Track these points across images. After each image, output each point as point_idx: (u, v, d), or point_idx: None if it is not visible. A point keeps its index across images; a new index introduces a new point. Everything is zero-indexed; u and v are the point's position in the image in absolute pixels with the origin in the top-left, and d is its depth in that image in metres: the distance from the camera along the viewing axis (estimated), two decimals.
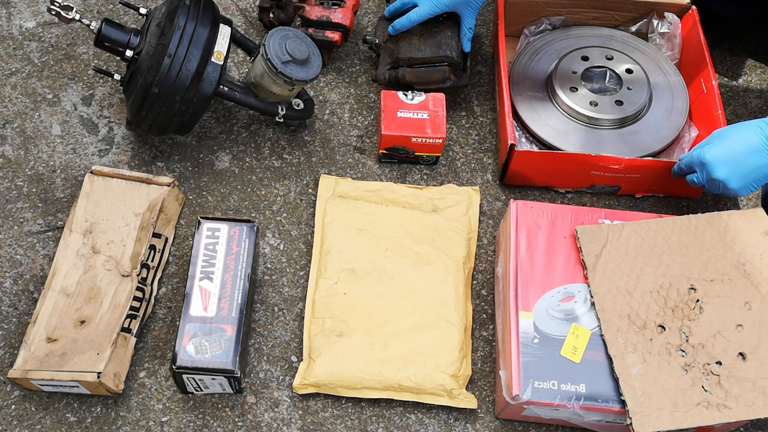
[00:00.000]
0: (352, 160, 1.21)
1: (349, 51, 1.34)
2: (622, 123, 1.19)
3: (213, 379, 0.95)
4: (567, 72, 1.21)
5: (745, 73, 1.37)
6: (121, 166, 1.18)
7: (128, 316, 1.00)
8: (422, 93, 1.19)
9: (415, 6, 1.19)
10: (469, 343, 1.04)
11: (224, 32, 1.09)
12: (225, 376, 0.94)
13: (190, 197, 1.16)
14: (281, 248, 1.12)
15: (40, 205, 1.14)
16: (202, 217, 1.04)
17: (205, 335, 0.95)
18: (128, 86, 1.10)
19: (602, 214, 1.04)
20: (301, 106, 1.20)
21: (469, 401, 0.99)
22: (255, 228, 1.03)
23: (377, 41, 1.25)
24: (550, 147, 1.17)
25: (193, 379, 0.95)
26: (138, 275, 1.03)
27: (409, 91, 1.19)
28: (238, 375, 0.94)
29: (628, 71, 1.22)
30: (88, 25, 1.10)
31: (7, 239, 1.11)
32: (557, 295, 0.98)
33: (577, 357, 0.93)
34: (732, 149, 1.00)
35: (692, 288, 0.96)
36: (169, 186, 1.11)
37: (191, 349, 0.94)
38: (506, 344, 0.96)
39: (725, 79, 1.35)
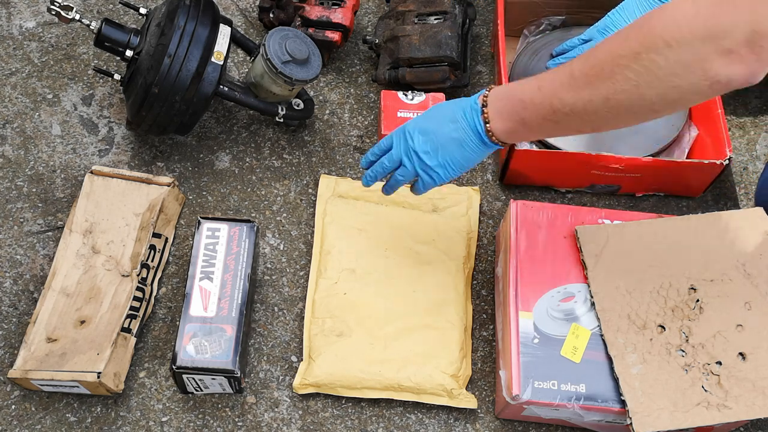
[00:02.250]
0: (352, 160, 1.21)
1: (349, 51, 1.34)
2: None
3: (213, 379, 0.95)
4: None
5: None
6: (121, 166, 1.18)
7: (128, 316, 1.00)
8: (422, 93, 1.19)
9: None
10: (469, 343, 1.04)
11: (224, 32, 1.09)
12: (225, 376, 0.94)
13: (190, 197, 1.16)
14: (281, 248, 1.12)
15: (40, 205, 1.14)
16: (202, 217, 1.04)
17: (205, 335, 0.95)
18: (128, 86, 1.10)
19: (602, 214, 1.04)
20: (301, 106, 1.20)
21: (469, 401, 0.99)
22: (255, 228, 1.03)
23: (377, 41, 1.25)
24: (550, 147, 1.17)
25: (193, 379, 0.95)
26: (138, 275, 1.03)
27: (409, 91, 1.19)
28: (238, 375, 0.94)
29: None
30: (88, 25, 1.10)
31: (7, 239, 1.11)
32: (557, 295, 0.98)
33: (577, 357, 0.93)
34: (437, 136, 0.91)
35: (692, 288, 0.96)
36: (169, 186, 1.11)
37: (191, 349, 0.94)
38: (506, 344, 0.96)
39: None
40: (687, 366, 0.91)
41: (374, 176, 0.96)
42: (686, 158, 1.19)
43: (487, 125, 0.85)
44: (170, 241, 1.11)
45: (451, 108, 0.89)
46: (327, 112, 1.27)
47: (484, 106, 0.85)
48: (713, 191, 1.22)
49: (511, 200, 1.05)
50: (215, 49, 1.07)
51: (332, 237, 1.09)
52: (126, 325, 0.99)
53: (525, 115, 0.82)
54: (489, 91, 0.86)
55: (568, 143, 1.16)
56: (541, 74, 0.81)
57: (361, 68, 1.32)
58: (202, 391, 0.99)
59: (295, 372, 1.02)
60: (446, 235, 1.11)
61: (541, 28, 1.32)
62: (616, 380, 0.91)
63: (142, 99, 1.05)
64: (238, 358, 0.94)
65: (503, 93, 0.84)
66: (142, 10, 1.13)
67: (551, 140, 1.17)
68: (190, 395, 1.00)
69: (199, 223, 1.03)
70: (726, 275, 0.97)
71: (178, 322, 1.05)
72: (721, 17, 0.63)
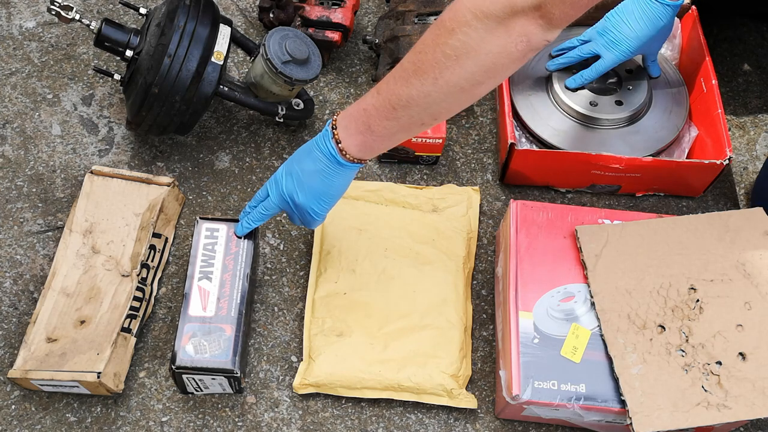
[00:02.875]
0: None
1: (349, 51, 1.34)
2: (622, 123, 1.19)
3: (213, 379, 0.95)
4: (567, 72, 1.21)
5: (745, 73, 1.37)
6: (121, 166, 1.18)
7: (128, 316, 1.00)
8: None
9: (597, 57, 1.15)
10: (469, 343, 1.04)
11: (224, 32, 1.09)
12: (225, 376, 0.94)
13: (190, 197, 1.16)
14: (281, 248, 1.12)
15: (40, 205, 1.14)
16: (200, 218, 1.04)
17: (205, 335, 0.95)
18: (128, 86, 1.10)
19: (602, 214, 1.04)
20: (301, 106, 1.20)
21: (469, 401, 0.99)
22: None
23: (377, 41, 1.25)
24: (550, 147, 1.17)
25: (193, 379, 0.95)
26: (138, 275, 1.03)
27: None
28: (238, 375, 0.94)
29: (628, 71, 1.22)
30: (88, 25, 1.10)
31: (7, 239, 1.11)
32: (557, 295, 0.98)
33: (577, 357, 0.93)
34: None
35: (692, 288, 0.96)
36: (169, 186, 1.11)
37: (190, 349, 0.94)
38: (506, 344, 0.96)
39: (725, 79, 1.35)
40: (687, 366, 0.91)
41: (250, 225, 1.00)
42: (686, 158, 1.19)
43: (339, 145, 0.87)
44: (170, 241, 1.11)
45: (309, 143, 0.92)
46: (327, 112, 1.27)
47: (334, 128, 0.88)
48: (713, 191, 1.22)
49: (511, 200, 1.05)
50: (215, 49, 1.07)
51: (332, 237, 1.09)
52: (126, 325, 0.99)
53: (370, 123, 0.85)
54: (338, 114, 0.89)
55: (568, 143, 1.16)
56: (381, 81, 0.85)
57: (361, 68, 1.32)
58: (202, 391, 0.99)
59: (295, 372, 1.02)
60: (446, 235, 1.11)
61: None
62: (616, 380, 0.91)
63: (142, 99, 1.05)
64: (237, 358, 0.94)
65: (349, 110, 0.87)
66: (142, 10, 1.13)
67: (551, 140, 1.17)
68: (190, 395, 1.00)
69: (198, 223, 1.03)
70: (726, 275, 0.97)
71: (178, 322, 1.05)
72: None
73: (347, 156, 0.88)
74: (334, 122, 0.88)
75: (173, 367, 0.93)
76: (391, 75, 0.83)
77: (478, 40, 0.75)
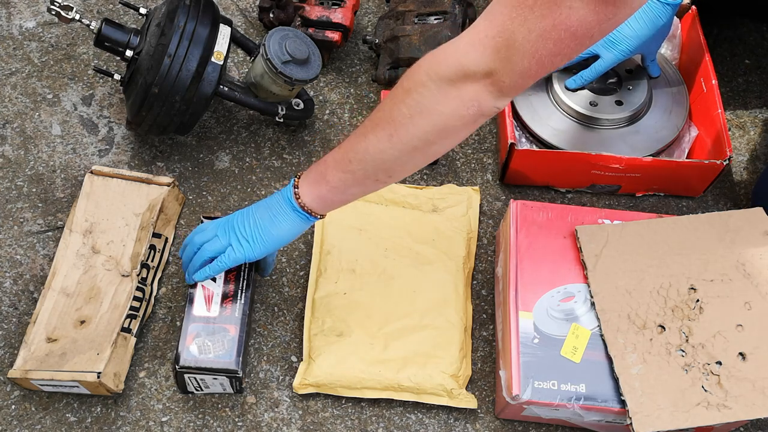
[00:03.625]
0: None
1: (349, 51, 1.34)
2: (622, 123, 1.19)
3: (215, 378, 0.95)
4: (567, 72, 1.21)
5: (745, 73, 1.37)
6: (121, 166, 1.18)
7: (128, 316, 1.00)
8: None
9: (596, 57, 1.16)
10: (469, 343, 1.04)
11: (224, 32, 1.09)
12: (227, 376, 0.94)
13: (190, 197, 1.16)
14: (281, 248, 1.12)
15: (40, 205, 1.14)
16: (204, 216, 1.04)
17: (209, 335, 0.95)
18: (128, 86, 1.10)
19: (602, 214, 1.04)
20: (301, 106, 1.20)
21: (469, 401, 0.99)
22: None
23: (377, 41, 1.25)
24: (551, 147, 1.17)
25: (195, 378, 0.95)
26: (138, 275, 1.03)
27: None
28: (240, 375, 0.94)
29: (628, 71, 1.22)
30: (88, 25, 1.10)
31: (7, 239, 1.11)
32: (557, 295, 0.98)
33: (577, 357, 0.93)
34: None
35: (692, 288, 0.96)
36: (169, 186, 1.11)
37: (194, 349, 0.94)
38: (506, 344, 0.96)
39: (725, 79, 1.35)
40: (687, 366, 0.91)
41: (194, 270, 0.97)
42: (686, 158, 1.19)
43: (296, 190, 0.89)
44: (170, 241, 1.11)
45: (274, 194, 0.94)
46: (327, 112, 1.27)
47: (297, 177, 0.91)
48: (713, 191, 1.22)
49: (511, 200, 1.05)
50: (215, 49, 1.07)
51: (332, 237, 1.09)
52: (126, 325, 0.99)
53: (328, 175, 0.87)
54: (306, 171, 0.91)
55: (568, 143, 1.16)
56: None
57: (361, 68, 1.32)
58: (202, 390, 0.99)
59: (295, 372, 1.02)
60: (446, 235, 1.11)
61: None
62: (616, 380, 0.91)
63: (142, 99, 1.05)
64: (241, 359, 0.94)
65: (314, 164, 0.90)
66: (142, 10, 1.13)
67: (551, 140, 1.17)
68: (190, 395, 1.00)
69: (201, 222, 1.03)
70: (726, 275, 0.97)
71: (178, 322, 1.05)
72: (471, 54, 0.75)
73: (304, 206, 0.89)
74: (300, 174, 0.91)
75: (177, 366, 0.93)
76: (353, 132, 0.85)
77: (432, 100, 0.78)
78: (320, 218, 0.91)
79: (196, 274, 0.96)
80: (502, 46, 0.72)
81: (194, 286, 0.99)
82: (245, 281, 1.00)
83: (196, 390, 0.99)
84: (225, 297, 0.98)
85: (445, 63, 0.77)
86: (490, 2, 0.74)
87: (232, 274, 1.00)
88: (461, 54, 0.76)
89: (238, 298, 0.98)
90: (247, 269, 1.00)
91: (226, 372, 0.94)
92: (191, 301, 0.98)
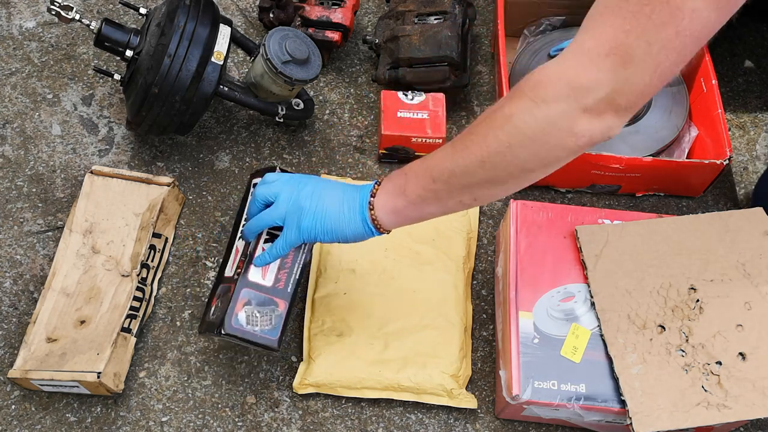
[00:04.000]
0: (352, 160, 1.21)
1: (349, 51, 1.34)
2: None
3: (252, 348, 0.92)
4: None
5: (745, 73, 1.37)
6: (121, 166, 1.18)
7: (128, 316, 1.00)
8: (422, 93, 1.19)
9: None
10: (469, 343, 1.04)
11: (224, 32, 1.09)
12: (265, 352, 0.92)
13: (190, 197, 1.16)
14: None
15: (40, 205, 1.14)
16: (253, 175, 0.99)
17: (258, 305, 0.92)
18: (128, 86, 1.10)
19: (602, 214, 1.04)
20: (301, 106, 1.20)
21: (469, 401, 0.99)
22: None
23: (377, 41, 1.25)
24: None
25: (231, 343, 0.92)
26: (138, 275, 1.03)
27: (409, 91, 1.19)
28: (278, 354, 0.91)
29: None
30: (88, 25, 1.10)
31: (7, 239, 1.11)
32: (557, 295, 0.98)
33: (577, 357, 0.93)
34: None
35: (692, 288, 0.96)
36: (169, 186, 1.11)
37: (242, 317, 0.90)
38: (506, 344, 0.96)
39: (725, 79, 1.35)
40: (687, 366, 0.91)
41: (250, 232, 0.92)
42: (686, 158, 1.19)
43: (372, 200, 0.83)
44: (170, 241, 1.11)
45: (350, 190, 0.87)
46: (327, 112, 1.27)
47: (378, 184, 0.84)
48: (713, 191, 1.22)
49: (511, 200, 1.05)
50: (215, 49, 1.07)
51: None
52: (126, 325, 0.99)
53: (407, 188, 0.81)
54: (387, 177, 0.85)
55: None
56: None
57: (361, 68, 1.32)
58: (229, 345, 0.96)
59: (295, 372, 1.02)
60: (446, 235, 1.11)
61: (541, 29, 1.32)
62: (616, 380, 0.91)
63: (142, 99, 1.05)
64: (283, 337, 0.92)
65: (395, 173, 0.84)
66: (142, 10, 1.13)
67: None
68: (189, 395, 1.00)
69: (252, 182, 0.98)
70: (726, 275, 0.97)
71: (178, 322, 1.05)
72: (583, 77, 0.67)
73: (374, 217, 0.83)
74: (381, 180, 0.84)
75: (222, 331, 0.90)
76: (441, 148, 0.80)
77: (537, 130, 0.71)
78: (385, 233, 0.85)
79: (256, 259, 0.92)
80: (618, 65, 0.65)
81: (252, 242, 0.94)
82: (304, 254, 0.95)
83: (220, 342, 0.96)
84: (282, 267, 0.93)
85: (552, 88, 0.69)
86: (590, 13, 0.67)
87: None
88: (570, 77, 0.68)
89: (293, 271, 0.94)
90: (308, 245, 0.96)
91: (267, 349, 0.91)
92: (248, 264, 0.93)
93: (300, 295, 1.08)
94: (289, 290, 0.93)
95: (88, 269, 1.04)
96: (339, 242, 0.88)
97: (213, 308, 0.95)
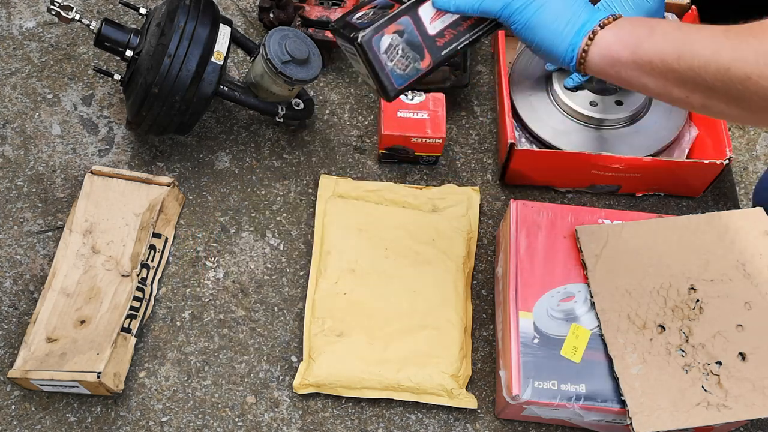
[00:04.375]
0: (352, 160, 1.21)
1: None
2: (622, 123, 1.19)
3: (360, 74, 0.81)
4: (567, 72, 1.21)
5: None
6: (121, 166, 1.18)
7: (128, 316, 1.00)
8: (422, 93, 1.19)
9: None
10: (469, 343, 1.04)
11: (224, 32, 1.09)
12: (374, 90, 0.83)
13: (190, 197, 1.16)
14: (281, 248, 1.12)
15: (40, 205, 1.14)
16: None
17: (407, 44, 0.79)
18: (128, 86, 1.10)
19: (602, 214, 1.04)
20: (301, 106, 1.20)
21: (469, 401, 0.99)
22: None
23: None
24: (550, 147, 1.17)
25: (354, 57, 0.80)
26: (138, 275, 1.03)
27: (409, 91, 1.19)
28: (391, 98, 0.81)
29: None
30: (88, 25, 1.10)
31: (7, 239, 1.11)
32: (557, 295, 0.98)
33: (577, 357, 0.93)
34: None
35: (692, 288, 0.96)
36: (169, 186, 1.11)
37: (385, 42, 0.78)
38: (506, 344, 0.96)
39: None
40: (687, 366, 0.91)
41: None
42: (686, 158, 1.19)
43: (598, 30, 0.73)
44: (170, 241, 1.11)
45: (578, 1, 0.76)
46: (327, 112, 1.27)
47: (613, 17, 0.74)
48: (713, 191, 1.22)
49: (511, 200, 1.05)
50: (215, 49, 1.07)
51: (332, 237, 1.09)
52: (126, 325, 0.99)
53: (646, 46, 0.69)
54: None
55: (568, 143, 1.16)
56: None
57: None
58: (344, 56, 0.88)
59: (295, 372, 1.02)
60: (446, 235, 1.11)
61: None
62: (616, 380, 0.91)
63: (142, 99, 1.06)
64: (402, 94, 0.83)
65: (638, 19, 0.74)
66: (142, 10, 1.13)
67: (551, 140, 1.17)
68: (189, 395, 1.00)
69: None
70: (726, 275, 0.97)
71: (178, 322, 1.05)
72: None
73: (584, 50, 0.73)
74: (616, 14, 0.74)
75: (357, 39, 0.78)
76: (706, 26, 0.69)
77: None
78: (578, 72, 0.75)
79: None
80: None
81: None
82: (480, 31, 0.83)
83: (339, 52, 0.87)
84: (453, 26, 0.82)
85: None
86: None
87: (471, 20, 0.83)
88: None
89: (460, 38, 0.82)
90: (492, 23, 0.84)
91: (381, 90, 0.81)
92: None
93: (300, 295, 1.09)
94: (443, 53, 0.82)
95: (88, 269, 1.04)
96: (526, 44, 0.79)
97: (362, 13, 0.83)
